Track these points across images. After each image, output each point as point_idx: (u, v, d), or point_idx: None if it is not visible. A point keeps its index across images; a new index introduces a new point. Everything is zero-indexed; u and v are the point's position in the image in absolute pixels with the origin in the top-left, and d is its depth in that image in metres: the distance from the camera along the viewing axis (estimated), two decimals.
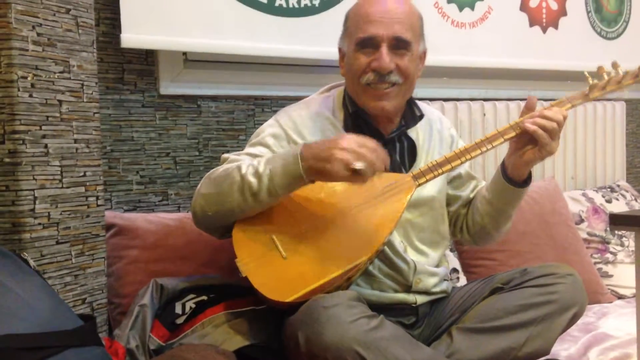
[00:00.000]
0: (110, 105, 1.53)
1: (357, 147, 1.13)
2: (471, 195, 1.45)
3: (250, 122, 1.72)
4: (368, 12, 1.29)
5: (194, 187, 1.61)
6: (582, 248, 2.07)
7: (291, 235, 1.21)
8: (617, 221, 1.14)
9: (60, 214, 1.22)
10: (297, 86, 1.78)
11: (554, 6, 2.33)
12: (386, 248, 1.30)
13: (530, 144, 1.27)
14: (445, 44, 2.03)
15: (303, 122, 1.33)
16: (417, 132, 1.39)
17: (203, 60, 1.67)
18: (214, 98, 1.68)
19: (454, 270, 1.86)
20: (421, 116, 1.39)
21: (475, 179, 1.47)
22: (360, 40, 1.29)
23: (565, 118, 1.28)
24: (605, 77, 1.35)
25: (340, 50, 1.37)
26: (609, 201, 2.30)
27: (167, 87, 1.60)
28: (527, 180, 1.34)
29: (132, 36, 1.47)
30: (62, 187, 1.22)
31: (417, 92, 1.80)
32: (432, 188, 1.36)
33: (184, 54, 1.64)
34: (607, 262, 2.11)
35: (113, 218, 1.44)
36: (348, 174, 1.13)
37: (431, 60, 1.99)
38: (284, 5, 1.69)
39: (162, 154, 1.61)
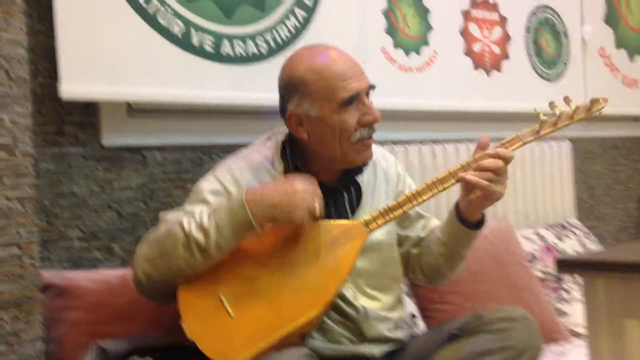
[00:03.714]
0: (49, 159, 1.46)
1: (312, 189, 1.17)
2: (422, 235, 1.42)
3: (198, 171, 1.68)
4: (341, 71, 1.27)
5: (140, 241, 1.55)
6: (537, 287, 2.07)
7: (238, 292, 1.17)
8: (564, 265, 1.13)
9: None
10: (246, 133, 1.75)
11: (497, 50, 2.39)
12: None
13: (477, 189, 1.26)
14: (393, 87, 2.05)
15: (242, 175, 1.30)
16: (361, 174, 1.38)
17: (148, 109, 1.63)
18: (159, 148, 1.63)
19: (412, 315, 1.83)
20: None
21: (424, 218, 1.45)
22: (346, 100, 1.26)
23: (509, 158, 1.26)
24: (557, 112, 1.32)
25: (294, 115, 1.30)
26: (560, 239, 2.33)
27: (110, 139, 1.55)
28: (481, 222, 1.33)
29: (71, 87, 1.42)
30: None
31: None
32: (379, 232, 1.34)
33: (128, 103, 1.60)
34: (562, 301, 2.12)
35: (52, 278, 1.35)
36: (309, 218, 1.15)
37: (380, 103, 2.01)
38: (231, 53, 1.68)
39: (105, 207, 1.54)
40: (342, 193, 1.35)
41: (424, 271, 1.41)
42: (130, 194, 1.58)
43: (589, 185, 2.82)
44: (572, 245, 2.34)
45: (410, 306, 1.84)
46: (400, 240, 1.42)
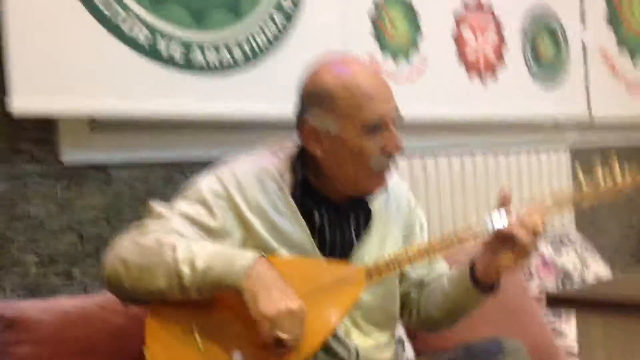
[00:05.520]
0: (2, 178, 1.36)
1: (300, 322, 1.05)
2: (424, 278, 1.31)
3: (168, 189, 1.57)
4: (370, 90, 1.15)
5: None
6: (534, 307, 1.95)
7: (214, 324, 1.07)
8: (555, 302, 1.02)
9: None
10: (221, 147, 1.64)
11: (491, 55, 2.28)
12: None
13: (505, 247, 1.13)
14: None
15: (247, 180, 1.18)
16: (373, 199, 1.26)
17: (112, 123, 1.52)
18: (126, 165, 1.52)
19: (399, 340, 1.72)
20: None
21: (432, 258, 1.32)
22: (370, 124, 1.14)
23: (543, 225, 1.12)
24: (602, 181, 1.22)
25: (312, 128, 1.18)
26: (559, 253, 2.21)
27: (70, 155, 1.44)
28: (495, 285, 1.20)
29: (24, 101, 1.31)
30: None
31: None
32: None
33: (91, 117, 1.48)
34: (560, 320, 2.01)
35: (0, 309, 1.25)
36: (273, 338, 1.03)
37: None
38: (202, 61, 1.56)
39: (65, 229, 1.43)
40: (349, 215, 1.24)
41: (420, 317, 1.31)
42: (93, 214, 1.47)
43: None
44: (571, 261, 2.22)
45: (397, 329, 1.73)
46: (400, 277, 1.30)
